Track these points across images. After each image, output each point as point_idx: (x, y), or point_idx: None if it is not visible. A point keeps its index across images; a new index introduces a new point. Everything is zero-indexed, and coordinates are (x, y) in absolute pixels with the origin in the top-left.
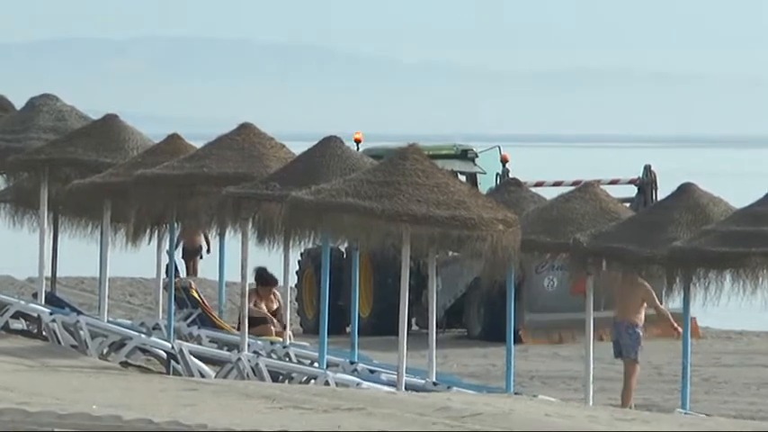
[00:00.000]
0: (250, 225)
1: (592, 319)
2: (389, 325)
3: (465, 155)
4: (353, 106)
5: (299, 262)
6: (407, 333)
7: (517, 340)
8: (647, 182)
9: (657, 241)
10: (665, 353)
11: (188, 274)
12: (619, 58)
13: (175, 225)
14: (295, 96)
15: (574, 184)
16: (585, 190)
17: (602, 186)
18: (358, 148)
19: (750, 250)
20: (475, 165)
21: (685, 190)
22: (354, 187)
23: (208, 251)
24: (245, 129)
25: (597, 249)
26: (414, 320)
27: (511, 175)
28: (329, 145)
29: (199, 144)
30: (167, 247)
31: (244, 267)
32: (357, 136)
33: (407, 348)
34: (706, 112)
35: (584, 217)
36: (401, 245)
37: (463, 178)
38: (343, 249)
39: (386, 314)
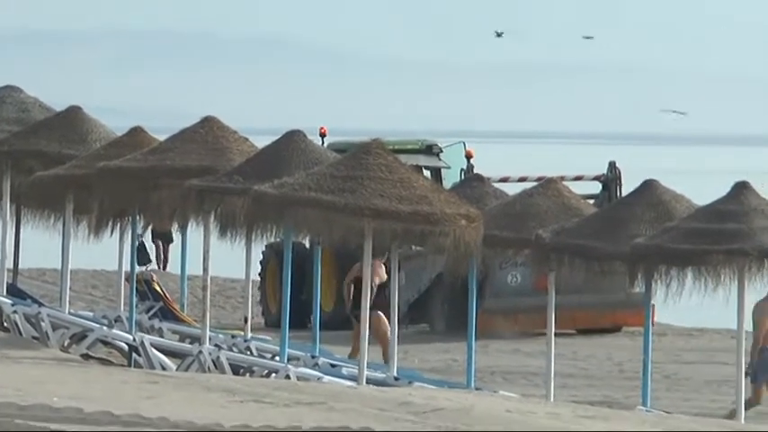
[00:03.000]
0: (212, 218)
1: (553, 315)
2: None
3: (430, 150)
4: (318, 100)
5: (262, 254)
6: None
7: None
8: (611, 178)
9: (619, 238)
10: (626, 350)
11: (158, 258)
12: (582, 53)
13: (138, 218)
14: (259, 90)
15: (539, 179)
16: (548, 186)
17: (566, 183)
18: (323, 142)
19: (712, 248)
20: (440, 160)
21: (648, 186)
22: (317, 181)
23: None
24: (208, 122)
25: (559, 245)
26: None
27: (475, 171)
28: (293, 139)
29: (162, 137)
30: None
31: (206, 260)
32: (322, 130)
33: (369, 343)
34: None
35: (547, 213)
36: (363, 240)
37: (428, 173)
38: (306, 243)
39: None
